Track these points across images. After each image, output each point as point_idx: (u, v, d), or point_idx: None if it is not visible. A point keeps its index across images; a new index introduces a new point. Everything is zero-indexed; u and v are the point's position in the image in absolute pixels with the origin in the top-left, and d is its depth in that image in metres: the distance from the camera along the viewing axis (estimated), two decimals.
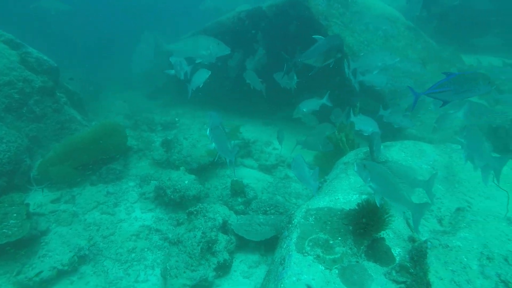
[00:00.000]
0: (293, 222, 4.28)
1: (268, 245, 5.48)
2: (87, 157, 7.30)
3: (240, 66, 10.37)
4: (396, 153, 5.57)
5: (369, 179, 3.79)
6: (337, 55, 5.79)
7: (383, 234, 3.98)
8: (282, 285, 3.56)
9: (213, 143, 4.80)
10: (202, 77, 6.29)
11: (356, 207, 4.00)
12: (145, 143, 8.73)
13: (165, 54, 6.03)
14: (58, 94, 8.58)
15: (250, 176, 7.85)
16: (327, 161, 7.06)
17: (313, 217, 4.28)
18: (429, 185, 4.10)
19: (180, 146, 7.72)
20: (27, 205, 5.84)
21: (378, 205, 3.88)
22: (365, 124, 6.14)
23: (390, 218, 3.86)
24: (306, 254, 3.84)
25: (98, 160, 7.46)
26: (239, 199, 6.49)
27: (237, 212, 6.34)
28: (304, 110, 6.66)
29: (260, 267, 5.36)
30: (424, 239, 3.90)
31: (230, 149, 4.76)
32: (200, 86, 6.36)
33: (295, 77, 7.52)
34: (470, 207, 4.60)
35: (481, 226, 3.92)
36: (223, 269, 5.20)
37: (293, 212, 4.46)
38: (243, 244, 5.60)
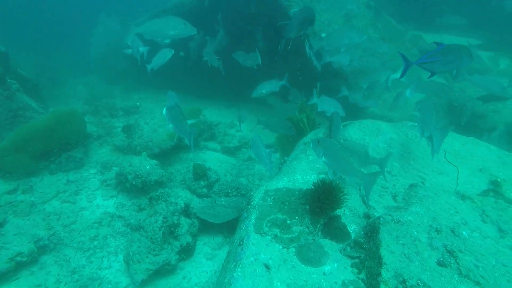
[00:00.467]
0: (252, 203, 4.31)
1: (231, 227, 5.52)
2: (44, 145, 7.06)
3: (200, 48, 10.21)
4: (355, 132, 5.68)
5: (322, 154, 3.90)
6: (310, 26, 5.82)
7: (339, 212, 4.08)
8: (240, 266, 3.60)
9: (170, 124, 4.74)
10: (165, 56, 6.18)
11: (312, 187, 4.06)
12: (105, 129, 8.53)
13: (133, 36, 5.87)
14: (8, 80, 8.19)
15: (213, 159, 7.84)
16: (289, 142, 7.12)
17: (272, 198, 4.33)
18: (383, 162, 4.22)
19: (141, 131, 7.60)
20: None
21: (331, 179, 3.98)
22: (328, 105, 6.20)
23: (345, 196, 3.96)
24: (264, 234, 3.89)
25: (57, 148, 7.22)
26: (202, 182, 6.48)
27: (200, 195, 6.34)
28: (263, 92, 6.65)
29: (223, 248, 5.40)
30: (378, 215, 4.02)
31: (188, 130, 4.70)
32: (164, 63, 6.32)
33: (259, 57, 7.49)
34: (424, 183, 4.78)
35: (431, 200, 4.07)
36: (186, 252, 5.21)
37: (252, 193, 4.49)
38: (206, 227, 5.62)
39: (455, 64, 4.34)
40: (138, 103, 11.03)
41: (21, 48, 14.73)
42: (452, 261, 3.34)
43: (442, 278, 3.20)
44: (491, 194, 4.48)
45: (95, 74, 14.04)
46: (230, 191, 5.97)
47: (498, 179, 4.79)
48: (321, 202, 3.87)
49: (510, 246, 3.60)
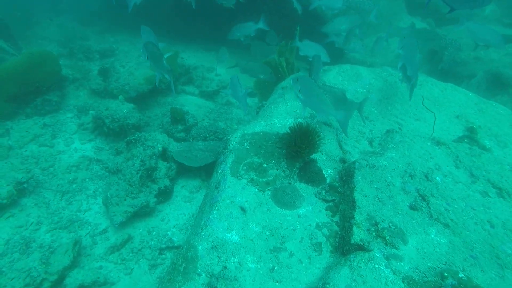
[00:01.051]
0: (228, 147, 4.29)
1: (209, 171, 5.52)
2: (18, 88, 6.77)
3: None
4: (334, 77, 5.60)
5: (298, 91, 3.99)
6: None
7: (315, 156, 4.11)
8: (216, 208, 3.65)
9: (147, 61, 4.59)
10: None
11: (289, 131, 4.05)
12: (81, 72, 8.21)
13: None
14: None
15: (191, 103, 7.72)
16: (267, 86, 7.02)
17: (248, 141, 4.31)
18: (360, 106, 4.20)
19: (118, 75, 7.35)
20: None
21: (308, 123, 3.98)
22: (310, 49, 6.04)
23: (321, 141, 3.97)
24: (240, 177, 3.91)
25: (31, 91, 6.94)
26: (179, 127, 6.41)
27: (178, 139, 6.29)
28: (238, 34, 6.43)
29: (201, 191, 5.46)
30: (354, 160, 4.06)
31: (167, 66, 4.57)
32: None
33: None
34: (401, 128, 4.81)
35: (407, 146, 4.12)
36: (164, 195, 5.25)
37: (229, 137, 4.47)
38: (184, 170, 5.63)
39: (474, 4, 4.24)
40: (114, 46, 10.59)
41: None
42: (423, 205, 3.44)
43: (413, 221, 3.30)
44: (466, 140, 4.55)
45: (68, 14, 13.30)
46: (207, 135, 5.94)
47: (474, 126, 4.86)
48: (298, 146, 3.88)
49: (480, 191, 3.71)
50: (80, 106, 7.27)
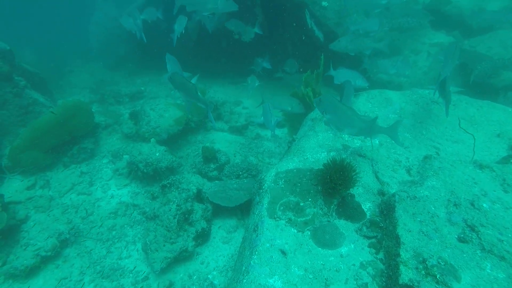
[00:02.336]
0: (263, 187, 4.26)
1: (244, 209, 5.52)
2: (55, 139, 7.07)
3: (200, 27, 9.99)
4: (363, 104, 5.53)
5: (324, 111, 3.98)
6: None
7: (352, 190, 4.01)
8: (256, 253, 3.59)
9: (176, 92, 4.58)
10: (182, 23, 6.42)
11: (323, 167, 3.98)
12: (113, 117, 8.49)
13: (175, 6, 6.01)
14: (16, 78, 8.16)
15: (221, 139, 7.78)
16: (297, 117, 7.00)
17: (283, 180, 4.27)
18: (392, 130, 4.06)
19: (148, 118, 7.53)
20: (1, 196, 5.68)
21: (343, 158, 3.89)
22: (345, 76, 5.94)
23: (357, 175, 3.87)
24: (278, 218, 3.85)
25: (68, 141, 7.23)
26: (212, 165, 6.45)
27: (211, 179, 6.32)
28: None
29: (239, 231, 5.42)
30: (393, 191, 3.94)
31: (200, 96, 4.51)
32: (182, 32, 6.58)
33: (252, 31, 7.41)
34: (438, 153, 4.65)
35: (448, 172, 3.96)
36: (202, 237, 5.24)
37: (263, 177, 4.44)
38: (220, 210, 5.62)
39: None
40: (142, 88, 10.94)
41: (23, 42, 14.66)
42: (473, 236, 3.26)
43: (464, 255, 3.13)
44: (511, 161, 4.34)
45: (97, 61, 13.91)
46: (240, 172, 5.94)
47: None
48: (334, 183, 3.80)
49: None
50: (114, 151, 7.47)
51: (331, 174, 3.82)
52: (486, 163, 4.07)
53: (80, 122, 7.40)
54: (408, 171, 4.37)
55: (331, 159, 3.95)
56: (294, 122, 7.28)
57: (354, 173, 3.85)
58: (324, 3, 8.63)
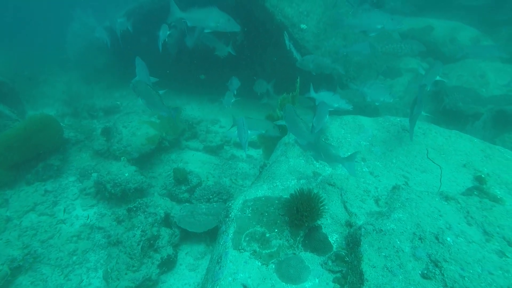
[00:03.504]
0: (230, 215, 4.15)
1: (213, 234, 5.37)
2: (19, 155, 6.80)
3: (179, 44, 9.91)
4: (336, 130, 5.52)
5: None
6: None
7: (320, 221, 3.94)
8: (218, 287, 3.47)
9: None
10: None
11: (289, 198, 3.90)
12: (85, 132, 8.26)
13: (178, 21, 6.04)
14: None
15: (195, 159, 7.66)
16: (271, 139, 6.93)
17: (250, 208, 4.17)
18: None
19: (120, 135, 7.35)
20: None
21: (309, 189, 3.85)
22: (329, 100, 5.87)
23: (324, 207, 3.81)
24: (242, 250, 3.74)
25: (33, 157, 6.97)
26: (183, 187, 6.31)
27: (181, 201, 6.18)
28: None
29: (206, 257, 5.28)
30: (361, 223, 3.89)
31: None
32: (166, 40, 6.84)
33: (228, 49, 7.50)
34: (407, 182, 4.65)
35: (414, 204, 3.94)
36: (168, 264, 5.07)
37: (230, 204, 4.33)
38: (188, 235, 5.48)
39: None
40: (118, 102, 10.74)
41: None
42: (437, 272, 3.21)
43: None
44: (475, 192, 4.36)
45: (74, 71, 13.60)
46: (211, 196, 5.82)
47: (482, 175, 4.69)
48: (300, 214, 3.72)
49: (496, 251, 3.48)
50: (82, 169, 7.24)
51: (298, 205, 3.75)
52: (451, 195, 4.07)
53: (47, 136, 7.15)
54: (377, 201, 4.33)
55: (299, 190, 3.88)
56: (269, 143, 7.20)
57: (321, 204, 3.78)
58: (303, 26, 8.70)
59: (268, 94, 7.94)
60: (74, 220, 6.13)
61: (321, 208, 3.77)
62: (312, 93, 5.93)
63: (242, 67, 9.88)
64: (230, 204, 4.34)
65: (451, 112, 7.77)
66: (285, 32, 7.62)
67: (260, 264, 3.61)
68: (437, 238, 3.50)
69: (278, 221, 3.97)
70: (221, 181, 6.84)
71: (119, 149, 7.21)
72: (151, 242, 4.96)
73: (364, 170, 4.80)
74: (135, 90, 4.35)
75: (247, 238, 3.84)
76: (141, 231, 4.91)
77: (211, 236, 5.44)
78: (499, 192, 4.49)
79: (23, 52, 15.24)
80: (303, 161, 5.01)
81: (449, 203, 4.00)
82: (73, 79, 13.15)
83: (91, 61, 12.56)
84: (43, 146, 7.07)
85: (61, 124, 8.36)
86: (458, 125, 7.11)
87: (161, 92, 4.72)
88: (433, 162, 4.75)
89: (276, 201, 4.21)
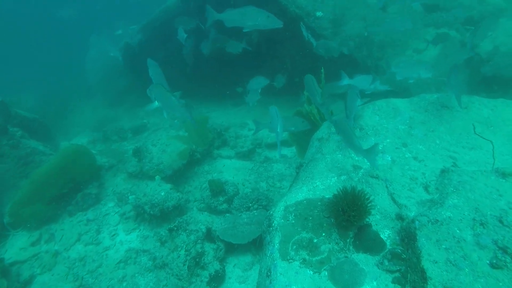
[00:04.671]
0: (273, 224, 3.97)
1: (258, 243, 5.23)
2: (57, 189, 6.90)
3: (195, 53, 9.84)
4: (370, 117, 5.23)
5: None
6: None
7: (368, 218, 3.70)
8: None
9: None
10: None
11: (333, 199, 3.68)
12: (116, 156, 8.32)
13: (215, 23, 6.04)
14: (11, 129, 8.06)
15: (229, 167, 7.52)
16: (303, 136, 6.72)
17: (293, 214, 3.98)
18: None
19: (151, 155, 7.33)
20: (1, 260, 5.48)
21: (353, 186, 3.60)
22: (364, 83, 5.65)
23: (371, 203, 3.56)
24: (291, 260, 3.55)
25: (71, 189, 7.05)
26: (221, 198, 6.18)
27: (221, 212, 6.06)
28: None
29: (255, 267, 5.12)
30: (412, 214, 3.62)
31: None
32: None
33: (240, 46, 7.37)
34: (456, 163, 4.31)
35: (469, 187, 3.63)
36: (216, 279, 4.95)
37: (271, 213, 4.15)
38: (233, 247, 5.34)
39: None
40: (145, 121, 10.79)
41: (21, 87, 14.75)
42: (507, 259, 2.92)
43: (500, 284, 2.79)
44: None
45: (97, 97, 13.84)
46: (250, 204, 5.65)
47: None
48: (347, 215, 3.50)
49: None
50: (119, 193, 7.25)
51: (343, 206, 3.53)
52: (509, 170, 3.73)
53: (81, 166, 7.23)
54: (426, 188, 4.03)
55: (342, 189, 3.66)
56: (301, 140, 6.99)
57: (367, 201, 3.54)
58: (319, 13, 8.41)
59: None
60: (119, 246, 6.13)
61: (369, 205, 3.53)
62: (346, 80, 5.67)
63: (261, 65, 9.69)
64: (271, 213, 4.16)
65: (490, 79, 7.28)
66: (301, 23, 7.35)
67: (312, 273, 3.41)
68: (501, 221, 3.19)
69: (325, 224, 3.76)
70: (258, 186, 6.68)
71: (152, 169, 7.18)
72: (197, 260, 4.87)
73: (407, 156, 4.50)
74: (150, 94, 4.24)
75: (294, 246, 3.65)
76: (185, 251, 4.83)
77: (256, 245, 5.28)
78: None
79: (49, 88, 15.68)
80: (340, 155, 4.76)
81: (508, 180, 3.68)
82: (98, 104, 13.37)
83: (112, 84, 12.72)
84: (79, 175, 7.15)
85: (93, 151, 8.46)
86: (501, 93, 6.63)
87: (177, 94, 4.58)
88: (482, 137, 4.39)
89: (319, 203, 4.00)
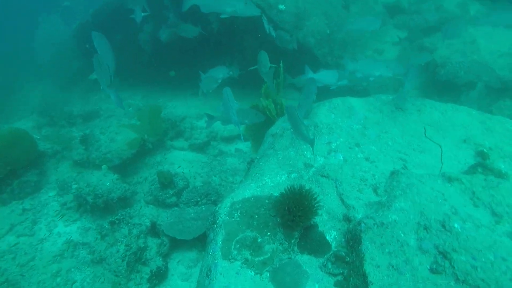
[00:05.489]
0: (217, 221, 3.80)
1: (205, 239, 5.03)
2: None
3: (153, 39, 9.45)
4: (325, 115, 5.14)
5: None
6: None
7: (316, 218, 3.60)
8: None
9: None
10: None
11: (280, 197, 3.55)
12: (62, 142, 7.80)
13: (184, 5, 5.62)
14: None
15: (181, 159, 7.26)
16: (258, 129, 6.56)
17: (239, 211, 3.82)
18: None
19: (98, 143, 6.93)
20: None
21: (300, 185, 3.49)
22: (327, 78, 5.60)
23: (318, 204, 3.46)
24: (233, 260, 3.39)
25: (6, 175, 6.52)
26: (170, 191, 5.93)
27: (169, 206, 5.82)
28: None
29: (199, 264, 4.93)
30: (359, 216, 3.56)
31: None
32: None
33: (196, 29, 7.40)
34: (406, 165, 4.31)
35: (416, 190, 3.61)
36: (158, 276, 4.72)
37: (216, 209, 3.97)
38: (178, 243, 5.12)
39: None
40: (97, 107, 10.27)
41: None
42: (446, 264, 2.90)
43: None
44: (479, 169, 4.04)
45: (48, 78, 13.02)
46: (199, 199, 5.44)
47: (484, 149, 4.37)
48: (292, 215, 3.38)
49: (507, 233, 3.17)
50: (62, 181, 6.81)
51: (290, 205, 3.40)
52: (454, 175, 3.74)
53: (20, 151, 6.71)
54: (375, 190, 3.99)
55: (289, 188, 3.53)
56: (257, 135, 6.82)
57: (315, 202, 3.44)
58: (281, 6, 8.27)
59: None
60: (56, 238, 5.73)
61: (316, 205, 3.43)
62: (310, 74, 5.56)
63: (221, 55, 9.45)
64: (216, 209, 3.98)
65: (443, 84, 7.44)
66: (262, 15, 7.18)
67: (253, 274, 3.27)
68: (443, 226, 3.18)
69: (270, 224, 3.62)
70: (210, 180, 6.47)
71: (98, 157, 6.79)
72: (138, 255, 4.62)
73: (359, 156, 4.45)
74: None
75: (238, 245, 3.49)
76: (125, 246, 4.57)
77: (202, 241, 5.09)
78: (503, 167, 4.18)
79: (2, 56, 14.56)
80: (292, 152, 4.65)
81: (453, 185, 3.68)
82: (48, 86, 12.60)
83: (65, 66, 11.99)
84: (17, 161, 6.63)
85: (35, 136, 7.92)
86: (452, 97, 6.79)
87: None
88: (432, 140, 4.41)
89: (267, 201, 3.86)
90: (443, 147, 4.44)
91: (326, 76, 5.60)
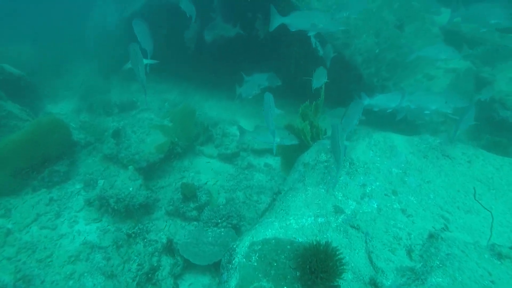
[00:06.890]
0: (233, 261, 3.55)
1: (219, 265, 4.81)
2: (25, 161, 6.40)
3: (198, 38, 9.28)
4: (363, 152, 4.76)
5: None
6: None
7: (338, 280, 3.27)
8: None
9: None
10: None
11: (303, 251, 3.25)
12: (95, 134, 7.79)
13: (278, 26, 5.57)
14: None
15: (208, 169, 7.05)
16: (291, 150, 6.19)
17: (257, 254, 3.55)
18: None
19: (129, 141, 6.83)
20: None
21: (326, 242, 3.17)
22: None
23: (343, 267, 3.13)
24: None
25: (40, 163, 6.56)
26: (191, 205, 5.73)
27: (189, 219, 5.64)
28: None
29: None
30: (389, 283, 3.21)
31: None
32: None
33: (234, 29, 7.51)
34: (447, 226, 3.87)
35: (457, 264, 3.21)
36: None
37: (234, 247, 3.72)
38: (192, 264, 4.91)
39: None
40: (134, 99, 10.24)
41: (25, 36, 14.10)
42: None
43: None
44: None
45: (93, 63, 13.17)
46: (219, 221, 5.19)
47: None
48: (314, 276, 3.07)
49: None
50: (90, 175, 6.79)
51: (312, 264, 3.09)
52: (505, 251, 3.31)
53: (55, 140, 6.73)
54: (409, 252, 3.60)
55: (315, 245, 3.21)
56: (288, 153, 6.43)
57: (340, 263, 3.11)
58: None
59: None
60: (75, 235, 5.68)
61: (340, 268, 3.10)
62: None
63: (263, 62, 9.15)
64: (234, 247, 3.73)
65: (498, 123, 6.82)
66: None
67: None
68: None
69: (289, 277, 3.33)
70: (234, 196, 6.22)
71: (127, 157, 6.68)
72: (149, 275, 4.47)
73: (395, 206, 4.06)
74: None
75: None
76: (137, 265, 4.42)
77: (216, 267, 4.87)
78: None
79: (54, 40, 14.95)
80: (323, 190, 4.32)
81: (503, 263, 3.25)
82: (92, 71, 12.76)
83: (109, 52, 12.08)
84: (51, 150, 6.65)
85: (72, 124, 7.97)
86: (509, 139, 6.19)
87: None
88: (482, 205, 3.94)
89: (288, 246, 3.57)
90: (495, 210, 3.96)
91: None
